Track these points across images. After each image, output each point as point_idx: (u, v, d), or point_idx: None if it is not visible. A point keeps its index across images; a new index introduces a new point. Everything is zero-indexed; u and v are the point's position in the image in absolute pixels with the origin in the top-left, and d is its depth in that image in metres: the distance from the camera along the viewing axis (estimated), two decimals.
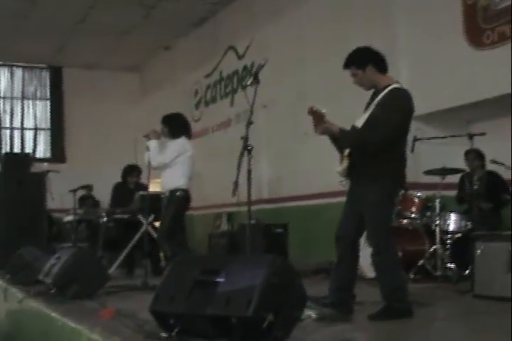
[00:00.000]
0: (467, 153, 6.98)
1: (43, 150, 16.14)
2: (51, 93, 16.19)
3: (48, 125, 16.15)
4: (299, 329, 3.29)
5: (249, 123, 4.18)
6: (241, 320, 3.00)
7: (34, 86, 16.17)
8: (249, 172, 4.04)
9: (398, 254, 4.43)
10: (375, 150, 4.09)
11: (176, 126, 6.41)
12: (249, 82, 4.22)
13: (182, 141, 6.31)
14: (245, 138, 4.09)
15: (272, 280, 3.08)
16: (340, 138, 4.17)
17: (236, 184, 3.96)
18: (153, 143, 6.29)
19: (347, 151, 4.20)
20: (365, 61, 4.26)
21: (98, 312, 4.29)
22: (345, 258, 4.26)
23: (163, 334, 3.27)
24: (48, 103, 16.20)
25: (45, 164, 15.06)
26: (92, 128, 15.74)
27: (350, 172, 4.21)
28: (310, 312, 3.81)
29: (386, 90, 4.22)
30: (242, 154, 4.04)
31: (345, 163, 4.18)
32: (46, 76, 16.21)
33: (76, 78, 15.96)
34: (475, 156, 6.99)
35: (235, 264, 3.24)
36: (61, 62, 15.78)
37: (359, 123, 4.26)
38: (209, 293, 3.14)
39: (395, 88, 4.24)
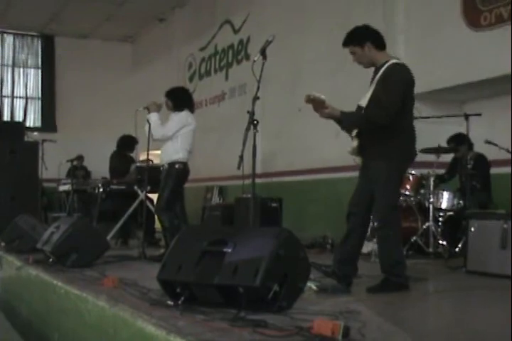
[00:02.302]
0: (449, 142, 7.06)
1: (33, 119, 16.06)
2: (43, 62, 16.07)
3: (39, 94, 16.06)
4: (301, 300, 3.38)
5: (256, 98, 4.22)
6: (248, 290, 3.09)
7: (25, 54, 16.05)
8: (254, 147, 4.09)
9: (401, 231, 4.52)
10: (383, 124, 4.18)
11: (179, 99, 6.41)
12: (256, 58, 4.25)
13: (185, 113, 6.32)
14: (251, 113, 4.13)
15: (278, 251, 3.16)
16: (344, 121, 4.27)
17: (241, 157, 4.01)
18: (154, 116, 6.30)
19: (355, 131, 4.31)
20: (364, 38, 4.36)
21: (100, 280, 4.35)
22: (354, 233, 4.38)
23: (170, 302, 3.34)
24: (40, 72, 16.09)
25: (36, 133, 15.05)
26: (83, 98, 15.69)
27: (360, 151, 4.33)
28: (310, 284, 3.90)
29: (385, 66, 4.32)
30: (247, 128, 4.08)
31: (355, 142, 4.31)
32: (38, 44, 16.08)
33: (68, 47, 15.87)
34: (458, 143, 7.03)
35: (242, 235, 3.32)
36: (54, 30, 15.65)
37: (363, 102, 4.34)
38: (216, 262, 3.23)
39: (393, 63, 4.33)
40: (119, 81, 15.86)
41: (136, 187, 7.88)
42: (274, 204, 8.58)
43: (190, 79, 13.70)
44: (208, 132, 11.83)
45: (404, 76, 4.30)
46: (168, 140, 6.25)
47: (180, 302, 3.30)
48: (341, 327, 2.56)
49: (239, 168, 4.02)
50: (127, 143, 8.68)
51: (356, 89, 8.57)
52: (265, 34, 8.96)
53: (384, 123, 4.18)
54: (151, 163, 6.88)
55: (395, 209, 4.37)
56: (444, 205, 6.76)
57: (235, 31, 11.99)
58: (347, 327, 2.58)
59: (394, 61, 4.36)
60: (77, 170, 12.42)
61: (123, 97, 15.24)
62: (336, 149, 8.90)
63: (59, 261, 5.36)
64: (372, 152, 4.29)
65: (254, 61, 4.23)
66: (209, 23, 12.88)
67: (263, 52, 4.30)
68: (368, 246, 6.85)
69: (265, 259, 3.09)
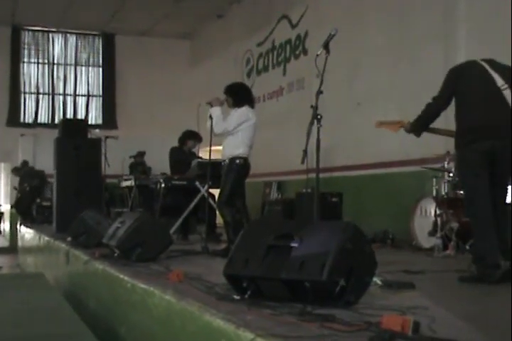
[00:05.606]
0: None
1: (94, 117, 16.40)
2: (103, 60, 16.41)
3: (100, 92, 16.38)
4: (367, 294, 3.36)
5: (319, 92, 4.20)
6: (314, 284, 3.09)
7: (87, 53, 16.44)
8: (318, 141, 4.08)
9: None
10: (433, 113, 4.52)
11: (238, 95, 6.43)
12: (319, 52, 4.24)
13: (245, 109, 6.33)
14: (315, 107, 4.12)
15: (345, 245, 3.15)
16: (416, 124, 4.62)
17: (305, 152, 4.01)
18: (217, 110, 6.33)
19: None
20: None
21: (166, 274, 4.39)
22: None
23: (236, 297, 3.36)
24: (101, 70, 16.42)
25: (97, 130, 15.35)
26: (143, 95, 15.95)
27: None
28: (375, 279, 3.87)
29: None
30: (311, 123, 4.08)
31: None
32: (99, 43, 16.44)
33: (128, 45, 16.15)
34: None
35: (308, 230, 3.32)
36: (114, 29, 15.94)
37: None
38: (283, 257, 3.23)
39: None
40: (178, 77, 16.06)
41: (197, 183, 7.95)
42: (334, 199, 8.58)
43: (248, 74, 13.75)
44: (266, 127, 11.81)
45: (451, 69, 4.55)
46: (229, 135, 6.29)
47: (246, 296, 3.32)
48: (411, 322, 2.54)
49: (303, 162, 4.01)
50: (189, 138, 8.76)
51: (414, 83, 8.49)
52: (323, 29, 8.98)
53: (432, 111, 4.48)
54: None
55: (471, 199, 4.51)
56: (508, 199, 6.59)
57: (293, 26, 11.97)
58: (417, 323, 2.55)
59: None
60: (137, 165, 12.60)
61: (182, 94, 15.42)
62: (396, 143, 8.81)
63: (124, 255, 5.44)
64: None
65: (317, 55, 4.22)
66: (266, 18, 12.89)
67: (326, 46, 4.29)
68: (431, 241, 6.76)
69: (332, 253, 3.09)
